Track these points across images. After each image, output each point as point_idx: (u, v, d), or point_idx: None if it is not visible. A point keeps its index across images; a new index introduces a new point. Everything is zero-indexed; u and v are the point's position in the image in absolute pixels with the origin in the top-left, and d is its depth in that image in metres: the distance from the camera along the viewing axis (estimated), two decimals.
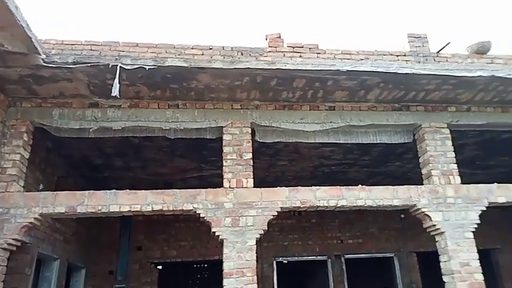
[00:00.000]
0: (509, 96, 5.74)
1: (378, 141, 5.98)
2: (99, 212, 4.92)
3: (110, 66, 4.43)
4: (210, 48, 5.23)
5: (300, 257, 10.14)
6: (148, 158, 7.27)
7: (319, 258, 10.22)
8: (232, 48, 5.27)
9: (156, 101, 5.33)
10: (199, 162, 7.60)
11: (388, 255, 10.42)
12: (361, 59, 5.40)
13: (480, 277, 5.15)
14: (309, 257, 10.21)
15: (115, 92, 4.32)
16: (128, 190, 5.02)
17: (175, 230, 9.66)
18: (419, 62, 5.52)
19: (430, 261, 8.43)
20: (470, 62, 5.74)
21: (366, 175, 8.87)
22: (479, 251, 5.31)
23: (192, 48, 5.19)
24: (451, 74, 4.97)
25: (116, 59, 4.48)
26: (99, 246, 9.17)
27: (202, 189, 5.15)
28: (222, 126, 5.42)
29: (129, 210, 4.97)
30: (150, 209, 4.97)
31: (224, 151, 5.36)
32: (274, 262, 9.90)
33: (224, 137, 5.41)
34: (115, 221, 8.66)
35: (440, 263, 5.42)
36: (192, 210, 5.07)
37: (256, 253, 5.00)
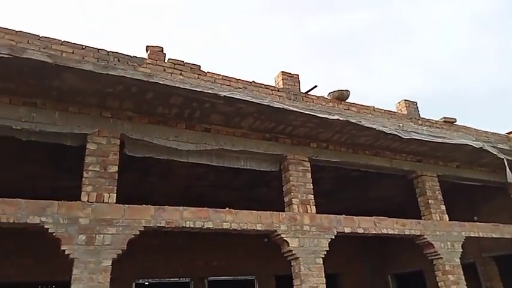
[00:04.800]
0: (359, 140, 6.62)
1: (248, 167, 6.22)
2: None
3: None
4: (83, 48, 4.78)
5: (162, 278, 9.74)
6: None
7: (182, 280, 9.97)
8: (108, 52, 4.90)
9: (8, 96, 4.63)
10: (56, 171, 6.79)
11: (250, 278, 10.74)
12: (239, 88, 5.61)
13: None
14: (172, 279, 9.88)
15: None
16: None
17: (17, 245, 8.32)
18: (289, 99, 6.00)
19: (288, 285, 8.96)
20: (331, 106, 6.47)
21: (236, 198, 9.09)
22: (327, 275, 5.83)
23: (62, 44, 4.66)
24: (314, 114, 5.51)
25: None
26: None
27: (54, 201, 4.60)
28: (86, 134, 4.97)
29: None
30: None
31: (86, 161, 4.90)
32: (134, 284, 9.31)
33: (88, 145, 4.96)
34: None
35: (293, 287, 5.79)
36: (39, 224, 4.46)
37: (111, 274, 4.62)
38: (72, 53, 4.65)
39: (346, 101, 6.63)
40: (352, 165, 6.98)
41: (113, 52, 4.90)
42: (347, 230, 6.33)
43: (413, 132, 6.35)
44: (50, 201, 4.59)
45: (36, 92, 4.63)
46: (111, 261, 4.64)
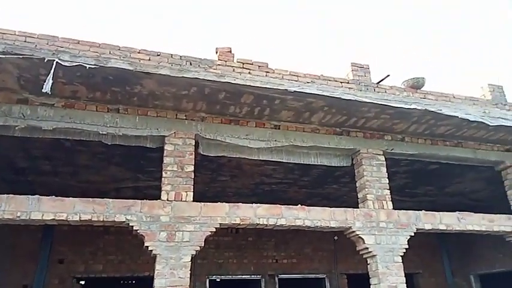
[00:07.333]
0: (438, 130, 6.20)
1: (319, 163, 6.12)
2: (17, 218, 4.46)
3: (45, 60, 4.08)
4: (158, 55, 5.04)
5: (234, 275, 9.95)
6: (80, 164, 6.77)
7: (253, 277, 10.11)
8: (181, 57, 5.11)
9: (95, 103, 5.00)
10: (136, 172, 7.23)
11: (320, 276, 10.59)
12: (308, 82, 5.52)
13: None
14: (244, 276, 10.06)
15: (46, 87, 3.99)
16: (53, 196, 4.60)
17: (104, 242, 9.03)
18: (360, 90, 5.78)
19: (359, 284, 8.70)
20: (406, 95, 6.13)
21: (304, 195, 9.02)
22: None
23: (139, 53, 4.95)
24: (389, 104, 5.25)
25: (53, 53, 4.13)
26: (15, 257, 8.29)
27: (137, 200, 4.87)
28: (164, 136, 5.21)
29: (53, 219, 4.56)
30: (78, 219, 4.59)
31: (164, 162, 5.14)
32: (208, 280, 9.62)
33: (166, 147, 5.20)
34: (36, 230, 7.92)
35: (371, 286, 5.58)
36: (124, 222, 4.76)
37: (190, 270, 4.78)
38: (149, 59, 4.91)
39: (422, 89, 6.24)
40: (431, 158, 6.56)
41: (185, 56, 5.09)
42: (427, 226, 5.96)
43: (501, 118, 5.80)
44: (134, 200, 4.87)
45: (119, 99, 4.95)
46: (190, 257, 4.80)
